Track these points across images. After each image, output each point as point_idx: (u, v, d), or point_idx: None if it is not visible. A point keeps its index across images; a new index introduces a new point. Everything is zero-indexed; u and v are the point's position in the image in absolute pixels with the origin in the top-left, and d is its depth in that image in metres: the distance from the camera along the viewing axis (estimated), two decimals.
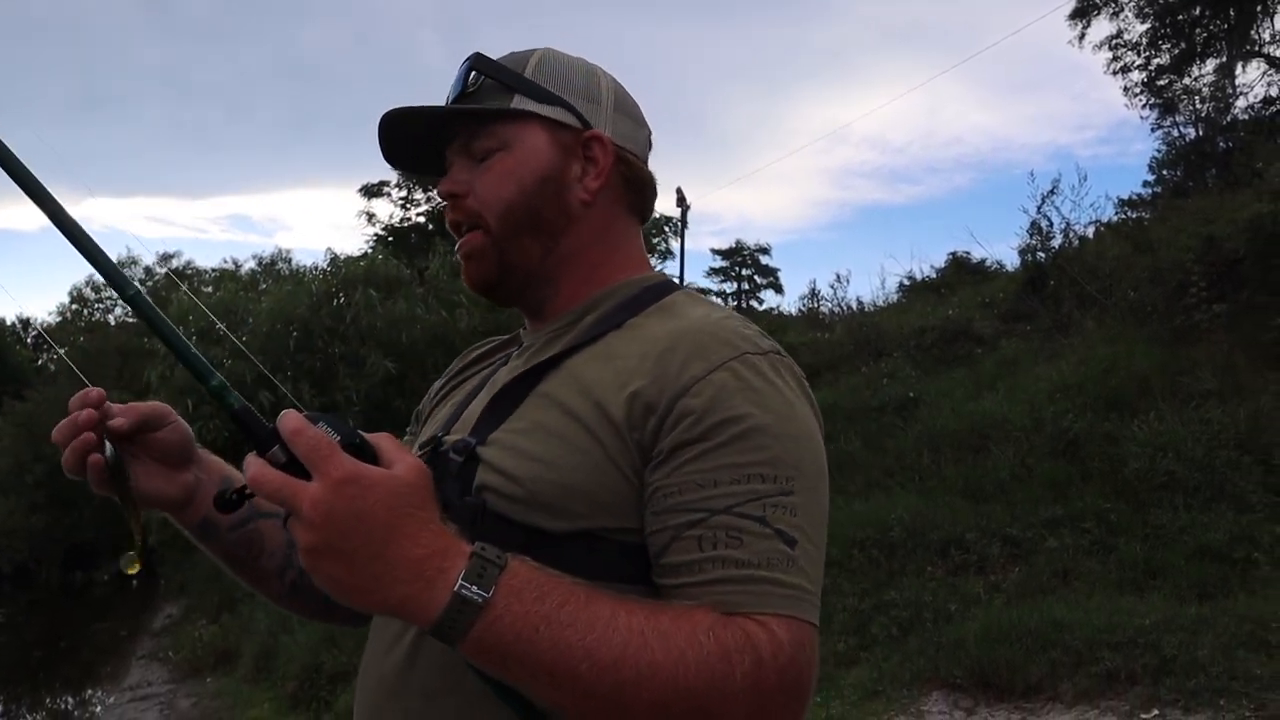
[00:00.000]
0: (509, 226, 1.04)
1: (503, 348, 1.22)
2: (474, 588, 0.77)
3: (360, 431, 0.82)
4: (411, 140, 1.09)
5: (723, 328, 0.95)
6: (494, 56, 1.09)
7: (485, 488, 0.94)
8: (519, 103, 1.04)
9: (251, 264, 29.17)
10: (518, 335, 1.18)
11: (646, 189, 1.12)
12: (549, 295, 1.08)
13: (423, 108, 1.05)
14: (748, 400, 0.89)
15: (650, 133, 1.16)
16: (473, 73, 1.06)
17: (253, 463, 0.80)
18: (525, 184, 1.03)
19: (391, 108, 1.04)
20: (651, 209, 1.14)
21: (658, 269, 1.17)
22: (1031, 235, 11.18)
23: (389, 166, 1.17)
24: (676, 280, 1.10)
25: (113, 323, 30.89)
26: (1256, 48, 19.30)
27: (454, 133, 1.07)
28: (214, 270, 29.78)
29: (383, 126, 1.06)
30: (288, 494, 0.77)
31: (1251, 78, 19.59)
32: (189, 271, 31.02)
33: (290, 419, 0.79)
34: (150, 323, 0.92)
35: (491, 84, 1.06)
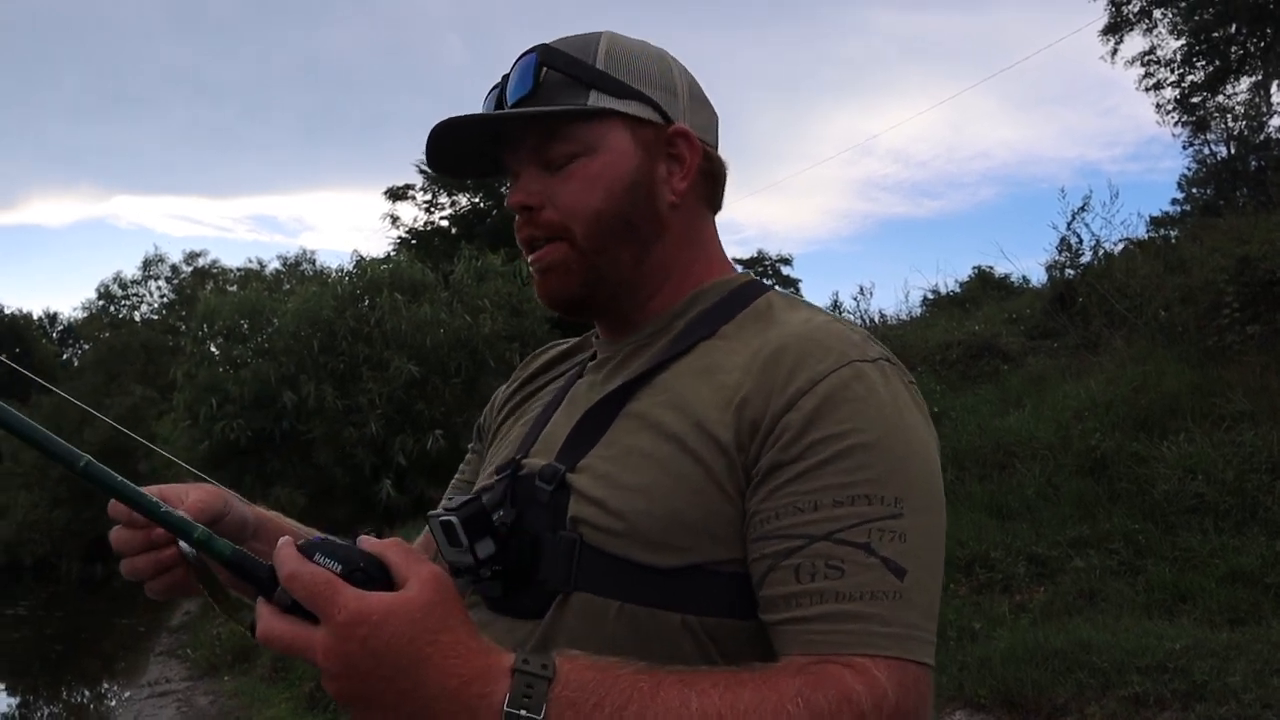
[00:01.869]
0: (599, 238, 0.95)
1: (571, 354, 1.14)
2: (523, 711, 0.69)
3: (364, 548, 0.74)
4: (468, 147, 1.01)
5: (828, 333, 0.88)
6: (545, 47, 0.97)
7: (580, 521, 0.87)
8: (597, 100, 0.94)
9: (276, 264, 29.37)
10: (589, 340, 1.11)
11: (722, 180, 1.04)
12: (636, 305, 1.00)
13: (491, 116, 0.96)
14: (854, 413, 0.82)
15: (717, 117, 1.07)
16: (543, 69, 0.95)
17: (261, 613, 0.73)
18: (614, 191, 0.95)
19: (452, 115, 0.95)
20: (722, 199, 1.06)
21: None
22: (1060, 251, 11.08)
23: (434, 172, 1.06)
24: (760, 279, 1.04)
25: (139, 319, 31.08)
26: None
27: (520, 136, 0.97)
28: (239, 270, 29.98)
29: (438, 132, 0.96)
30: (300, 647, 0.71)
31: None
32: (214, 270, 31.24)
33: (284, 559, 0.72)
34: (113, 491, 0.80)
35: (560, 79, 0.95)
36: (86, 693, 11.87)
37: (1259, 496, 6.03)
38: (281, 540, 0.74)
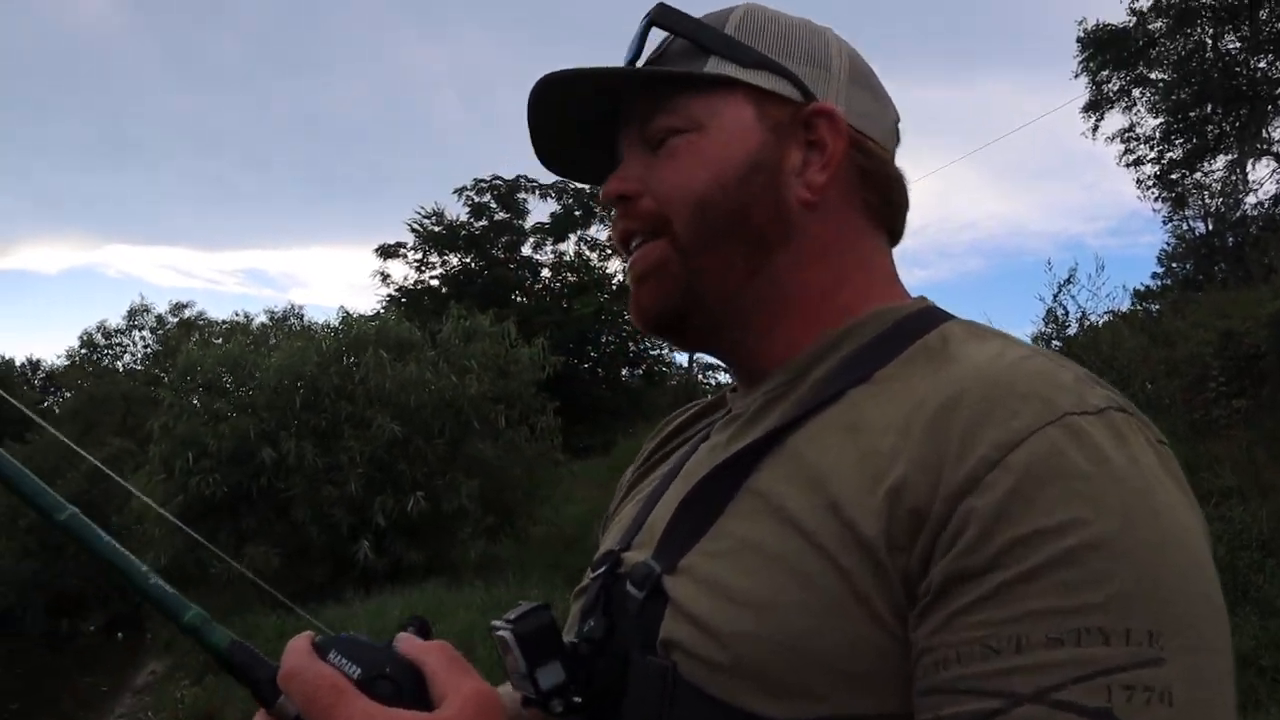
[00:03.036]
0: (702, 232, 0.74)
1: (706, 413, 0.91)
2: None
3: (401, 649, 0.59)
4: (574, 127, 0.81)
5: (1025, 373, 0.61)
6: (662, 4, 0.78)
7: (673, 645, 0.65)
8: (716, 66, 0.75)
9: (263, 318, 29.27)
10: (724, 397, 0.87)
11: (893, 188, 0.79)
12: (759, 336, 0.77)
13: (578, 71, 0.75)
14: (1073, 495, 0.55)
15: (898, 118, 0.83)
16: (653, 29, 0.77)
17: None
18: (724, 174, 0.74)
19: (543, 76, 0.75)
20: (903, 220, 0.82)
21: None
22: (1047, 323, 11.14)
23: (550, 169, 0.85)
24: (937, 306, 0.78)
25: (121, 369, 30.84)
26: (1267, 146, 19.52)
27: (628, 113, 0.78)
28: (225, 322, 29.86)
29: (532, 106, 0.78)
30: None
31: (1261, 175, 19.78)
32: (200, 322, 31.12)
33: (289, 654, 0.58)
34: (97, 550, 0.64)
35: (680, 46, 0.77)
36: None
37: (1250, 575, 5.96)
38: (295, 640, 0.60)
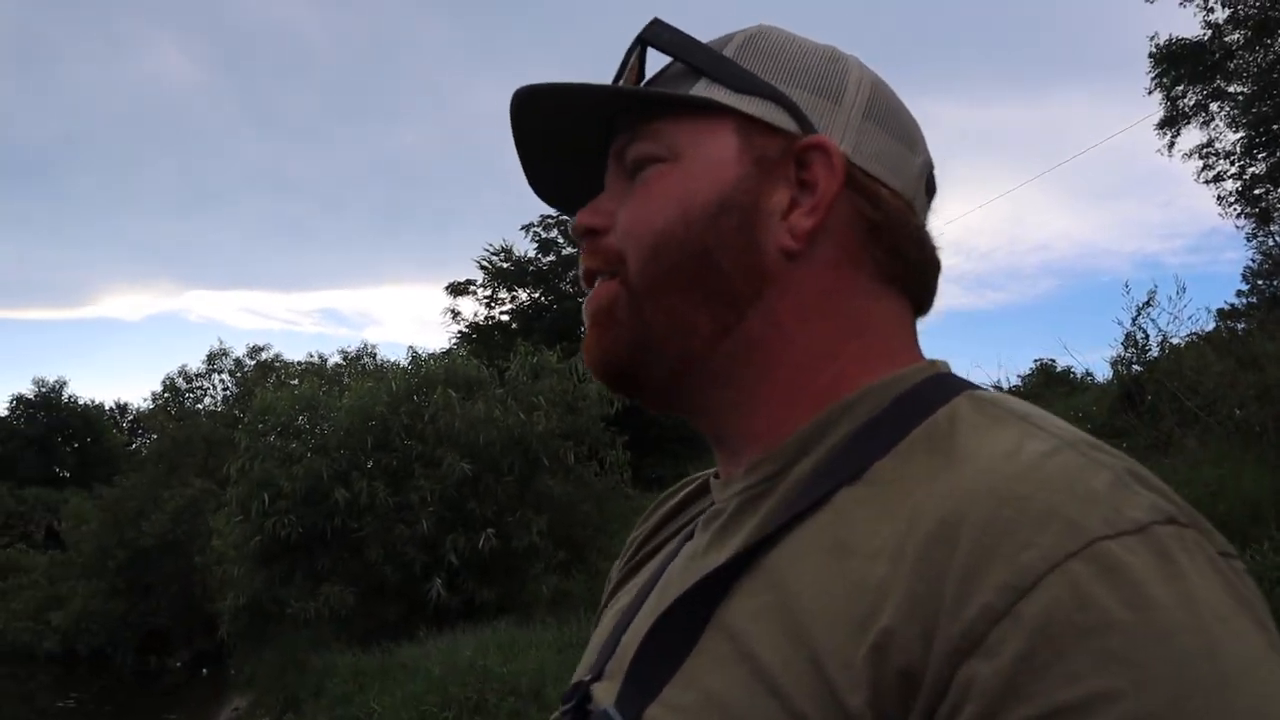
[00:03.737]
0: (657, 274, 0.64)
1: (696, 496, 0.80)
2: None
3: None
4: (563, 155, 0.73)
5: (1046, 480, 0.49)
6: (656, 20, 0.69)
7: None
8: (704, 89, 0.65)
9: (337, 358, 29.84)
10: (709, 481, 0.75)
11: (909, 245, 0.67)
12: (734, 406, 0.66)
13: (545, 86, 0.67)
14: (1104, 658, 0.43)
15: (930, 164, 0.71)
16: (641, 46, 0.69)
17: None
18: (691, 210, 0.64)
19: (520, 85, 0.67)
20: (930, 288, 0.70)
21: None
22: (1126, 347, 10.82)
23: (541, 198, 0.76)
24: (954, 374, 0.66)
25: (201, 412, 31.68)
26: None
27: (618, 138, 0.70)
28: (300, 363, 30.50)
29: (516, 132, 0.70)
30: None
31: None
32: (276, 364, 31.83)
33: None
34: None
35: (677, 69, 0.68)
36: None
37: None
38: None
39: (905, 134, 0.69)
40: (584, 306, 0.70)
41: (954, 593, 0.47)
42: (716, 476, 0.72)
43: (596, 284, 0.69)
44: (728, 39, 0.68)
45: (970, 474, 0.51)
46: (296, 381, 22.15)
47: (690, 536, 0.71)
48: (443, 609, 9.88)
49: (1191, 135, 20.26)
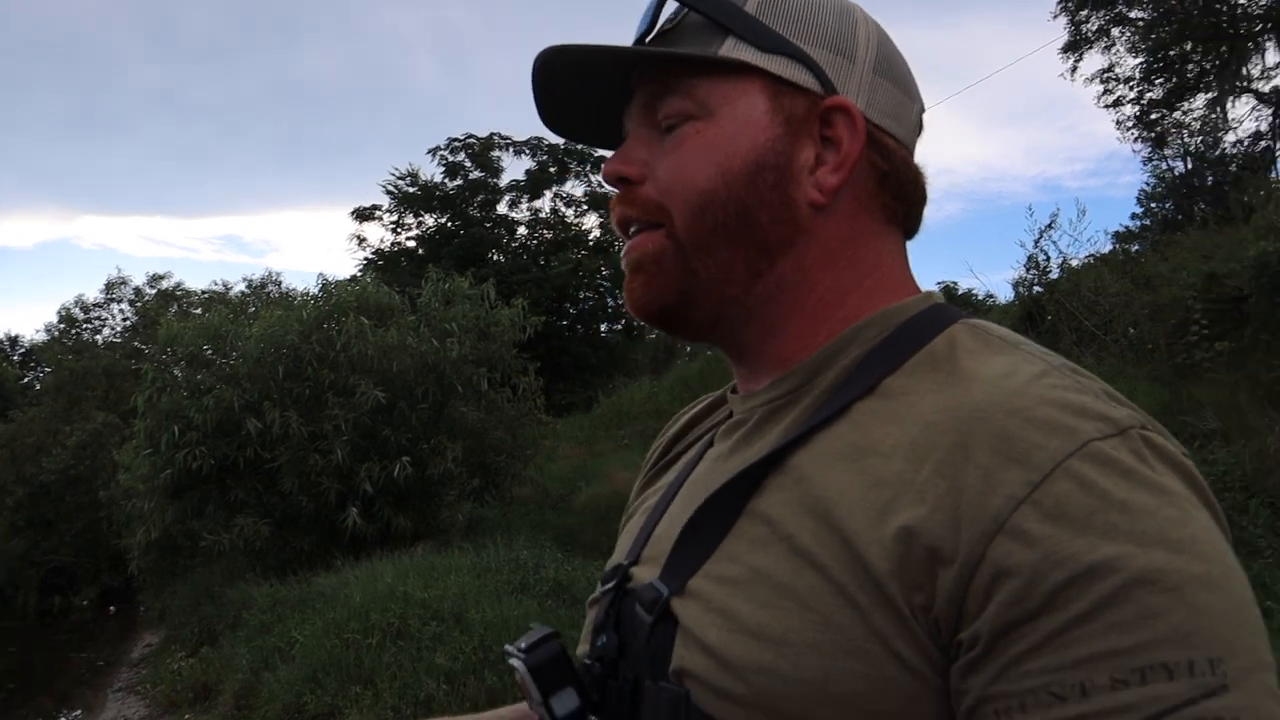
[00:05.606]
0: (703, 230, 0.71)
1: (711, 410, 0.89)
2: None
3: None
4: (585, 98, 0.78)
5: (1042, 397, 0.59)
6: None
7: (686, 674, 0.64)
8: (731, 49, 0.71)
9: (242, 286, 29.02)
10: (725, 395, 0.85)
11: (910, 189, 0.75)
12: (760, 336, 0.74)
13: (584, 48, 0.72)
14: (1111, 530, 0.53)
15: (923, 108, 0.79)
16: (669, 2, 0.73)
17: None
18: (731, 169, 0.70)
19: (548, 46, 0.73)
20: (919, 219, 0.78)
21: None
22: (1028, 268, 11.15)
23: (553, 132, 0.83)
24: (947, 303, 0.75)
25: (100, 343, 30.61)
26: (1246, 83, 19.48)
27: (641, 89, 0.75)
28: (204, 292, 29.59)
29: (537, 75, 0.75)
30: None
31: (1241, 113, 19.82)
32: (179, 293, 30.83)
33: None
34: None
35: (697, 21, 0.72)
36: None
37: (1234, 516, 6.03)
38: None
39: (905, 84, 0.76)
40: (624, 253, 0.76)
41: (978, 487, 0.56)
42: (734, 391, 0.81)
43: (634, 232, 0.75)
44: None
45: (977, 391, 0.61)
46: (200, 310, 21.53)
47: (710, 445, 0.80)
48: (359, 538, 9.84)
49: (1094, 60, 20.76)
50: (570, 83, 0.76)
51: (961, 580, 0.55)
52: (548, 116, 0.80)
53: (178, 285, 31.92)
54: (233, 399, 10.08)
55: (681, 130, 0.72)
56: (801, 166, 0.71)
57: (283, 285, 28.44)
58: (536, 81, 0.76)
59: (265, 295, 25.92)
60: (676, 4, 0.73)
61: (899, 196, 0.75)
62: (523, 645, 0.70)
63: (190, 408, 10.21)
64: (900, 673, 0.57)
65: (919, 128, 0.78)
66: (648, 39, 0.74)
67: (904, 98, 0.75)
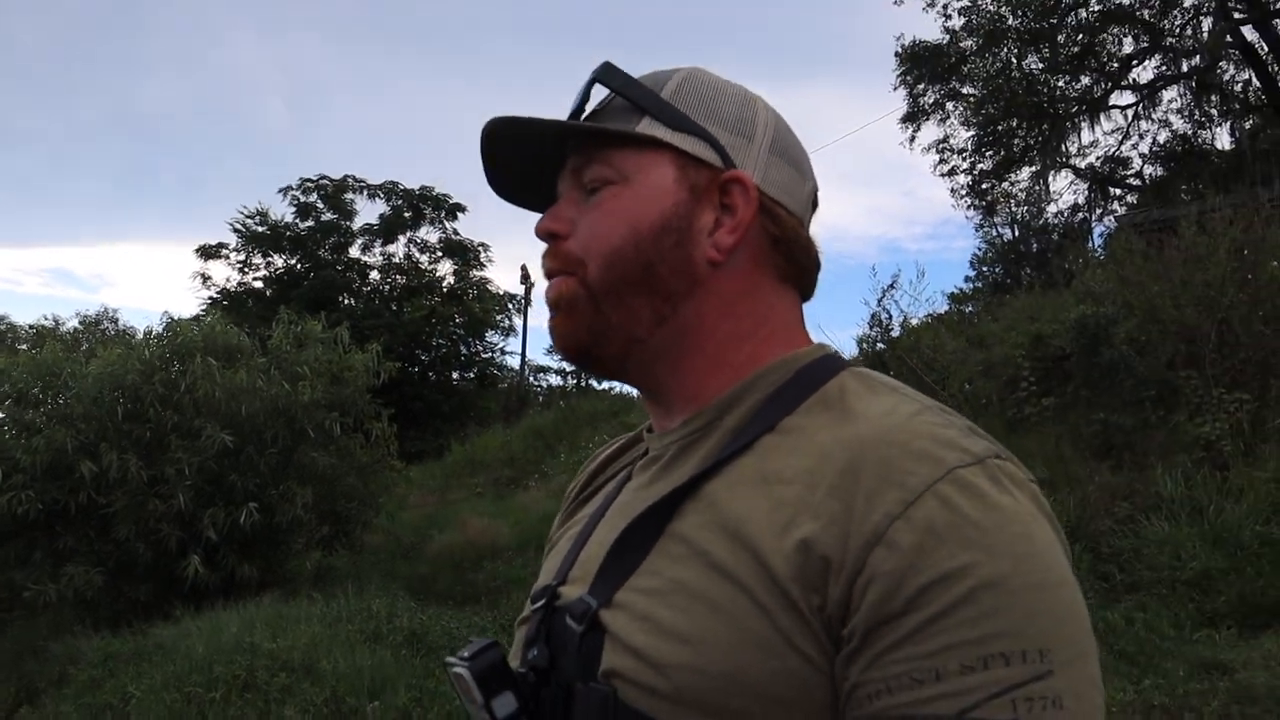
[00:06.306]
0: (612, 281, 0.82)
1: (628, 448, 0.99)
2: None
3: None
4: (520, 163, 0.89)
5: (916, 432, 0.70)
6: (608, 64, 0.87)
7: (615, 674, 0.72)
8: (647, 127, 0.83)
9: (74, 322, 27.47)
10: (640, 435, 0.96)
11: (801, 254, 0.87)
12: (669, 375, 0.85)
13: (522, 119, 0.83)
14: (967, 541, 0.64)
15: (816, 188, 0.92)
16: (596, 86, 0.86)
17: None
18: (639, 229, 0.82)
19: (495, 116, 0.84)
20: (813, 282, 0.90)
21: None
22: (871, 326, 11.68)
23: (497, 195, 0.94)
24: (837, 352, 0.87)
25: None
26: (1065, 159, 21.05)
27: (572, 158, 0.87)
28: (31, 326, 27.84)
29: (485, 141, 0.86)
30: None
31: (1061, 186, 21.40)
32: (2, 327, 28.90)
33: None
34: None
35: (620, 104, 0.85)
36: None
37: None
38: None
39: (799, 164, 0.89)
40: (545, 294, 0.87)
41: (862, 506, 0.67)
42: (650, 431, 0.92)
43: (555, 278, 0.86)
44: (665, 78, 0.86)
45: (864, 426, 0.72)
46: (26, 346, 20.24)
47: (629, 478, 0.90)
48: (200, 587, 9.41)
49: (930, 131, 22.03)
50: (510, 148, 0.87)
51: (847, 584, 0.66)
52: (494, 180, 0.91)
53: (2, 318, 29.98)
54: (66, 440, 9.54)
55: (601, 194, 0.83)
56: (701, 229, 0.82)
57: (119, 322, 27.09)
58: (484, 148, 0.87)
59: (100, 332, 24.59)
60: (605, 89, 0.86)
61: (790, 259, 0.86)
62: (466, 654, 0.77)
63: (16, 448, 9.61)
64: (801, 664, 0.67)
65: (813, 204, 0.91)
66: (582, 116, 0.86)
67: (797, 175, 0.88)
